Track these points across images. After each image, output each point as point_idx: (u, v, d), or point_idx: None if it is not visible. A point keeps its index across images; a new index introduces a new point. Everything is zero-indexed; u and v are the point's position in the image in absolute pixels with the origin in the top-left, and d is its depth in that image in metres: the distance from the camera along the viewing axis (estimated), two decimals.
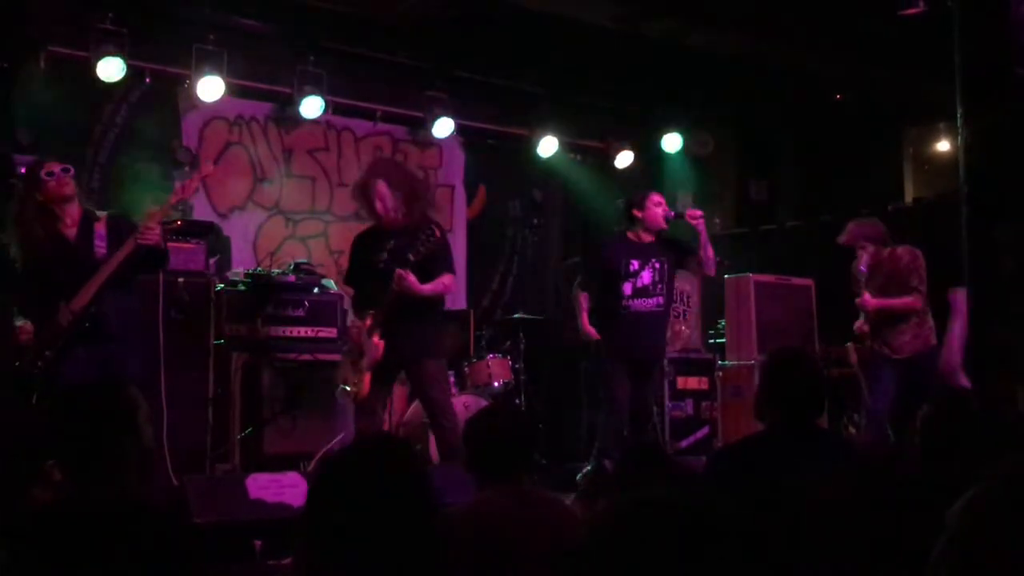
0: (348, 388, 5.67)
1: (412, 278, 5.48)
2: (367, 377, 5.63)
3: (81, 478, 2.59)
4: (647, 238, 6.45)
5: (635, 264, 6.38)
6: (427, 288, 5.61)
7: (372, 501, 2.04)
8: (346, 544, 2.02)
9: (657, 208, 6.41)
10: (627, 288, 6.35)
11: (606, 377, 6.42)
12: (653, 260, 6.39)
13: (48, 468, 3.01)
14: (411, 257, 5.49)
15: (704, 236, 6.44)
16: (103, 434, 2.61)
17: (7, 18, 6.99)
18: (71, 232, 5.01)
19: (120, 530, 2.48)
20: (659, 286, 6.40)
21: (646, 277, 6.37)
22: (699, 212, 6.47)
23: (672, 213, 6.50)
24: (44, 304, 4.88)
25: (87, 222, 5.05)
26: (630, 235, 6.50)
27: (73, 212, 5.04)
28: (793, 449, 3.26)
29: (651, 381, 6.67)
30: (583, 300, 6.50)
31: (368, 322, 5.62)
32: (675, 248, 6.53)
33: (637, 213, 6.46)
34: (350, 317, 5.77)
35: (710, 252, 6.48)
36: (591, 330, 6.43)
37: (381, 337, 5.59)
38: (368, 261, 5.76)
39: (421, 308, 5.66)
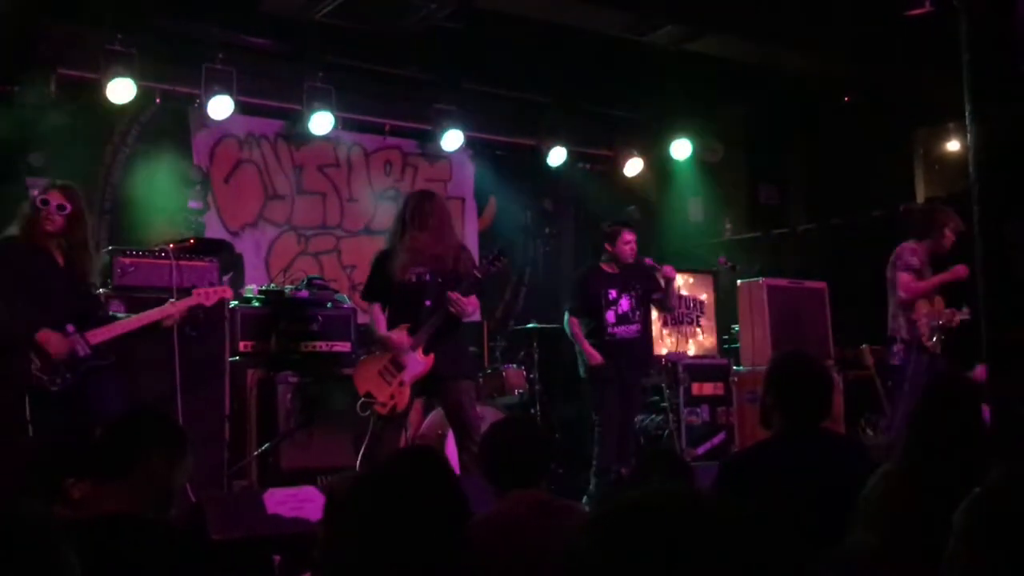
0: (377, 402, 5.63)
1: (465, 300, 5.61)
2: (407, 391, 5.65)
3: (133, 501, 2.66)
4: (617, 269, 6.95)
5: (613, 293, 6.86)
6: (470, 309, 5.79)
7: (410, 513, 2.02)
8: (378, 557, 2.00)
9: (626, 246, 6.90)
10: (610, 316, 6.82)
11: (597, 400, 6.79)
12: (629, 288, 6.87)
13: (68, 486, 3.03)
14: (477, 274, 5.70)
15: (671, 288, 7.04)
16: (162, 459, 2.76)
17: (17, 42, 7.05)
18: (59, 259, 5.02)
19: (141, 547, 2.51)
20: (637, 313, 6.88)
21: (625, 304, 6.85)
22: (672, 271, 7.01)
23: (649, 262, 7.01)
24: (44, 319, 4.83)
25: (71, 264, 5.05)
26: (603, 266, 7.00)
27: (56, 248, 5.00)
28: (804, 453, 3.25)
29: (633, 406, 7.02)
30: (577, 327, 6.89)
31: (406, 338, 5.64)
32: (644, 277, 6.99)
33: (609, 247, 6.97)
34: (382, 334, 5.76)
35: (671, 302, 7.17)
36: (596, 355, 6.76)
37: (425, 353, 5.65)
38: (397, 276, 5.72)
39: (457, 327, 5.78)
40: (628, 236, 6.94)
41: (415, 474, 2.10)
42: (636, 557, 1.01)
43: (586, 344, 6.78)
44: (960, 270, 6.56)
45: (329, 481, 3.04)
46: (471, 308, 5.80)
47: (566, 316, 6.94)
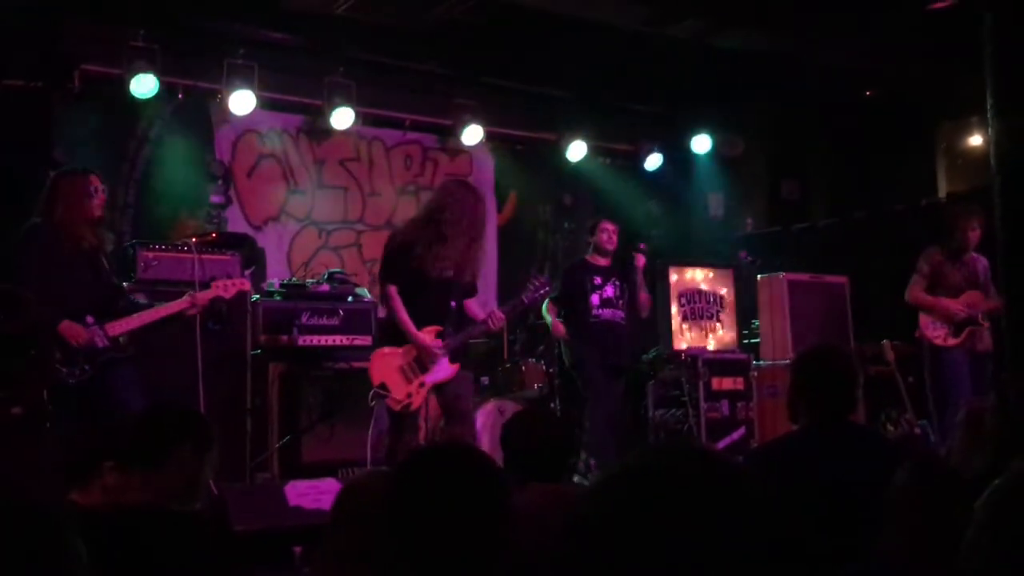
0: (391, 397, 5.58)
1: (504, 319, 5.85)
2: (425, 394, 5.58)
3: (160, 492, 2.71)
4: (603, 261, 7.14)
5: (598, 279, 7.06)
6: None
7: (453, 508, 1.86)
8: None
9: (603, 234, 7.11)
10: (595, 299, 7.01)
11: (589, 381, 6.95)
12: (613, 278, 7.07)
13: (105, 470, 3.05)
14: (524, 300, 5.96)
15: (639, 278, 7.11)
16: (191, 452, 2.84)
17: (42, 38, 7.10)
18: (87, 247, 5.11)
19: (167, 538, 2.54)
20: (620, 301, 7.07)
21: (609, 291, 7.05)
22: (641, 261, 7.13)
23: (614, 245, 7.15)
24: (65, 309, 4.90)
25: (96, 248, 5.17)
26: (588, 258, 7.21)
27: (91, 234, 5.13)
28: (829, 446, 3.25)
29: (622, 393, 7.14)
30: (552, 309, 7.10)
31: (438, 342, 5.59)
32: (627, 275, 7.14)
33: (590, 239, 7.23)
34: (412, 334, 5.66)
35: (642, 296, 7.14)
36: (561, 327, 7.06)
37: (451, 361, 5.64)
38: (424, 268, 5.58)
39: (464, 325, 5.82)
40: (606, 225, 7.15)
41: (458, 470, 1.93)
42: (644, 516, 1.01)
43: (555, 319, 7.04)
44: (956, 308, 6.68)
45: (351, 479, 3.04)
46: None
47: (544, 304, 7.03)
